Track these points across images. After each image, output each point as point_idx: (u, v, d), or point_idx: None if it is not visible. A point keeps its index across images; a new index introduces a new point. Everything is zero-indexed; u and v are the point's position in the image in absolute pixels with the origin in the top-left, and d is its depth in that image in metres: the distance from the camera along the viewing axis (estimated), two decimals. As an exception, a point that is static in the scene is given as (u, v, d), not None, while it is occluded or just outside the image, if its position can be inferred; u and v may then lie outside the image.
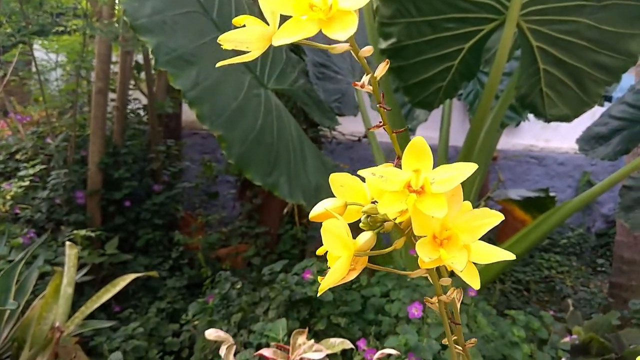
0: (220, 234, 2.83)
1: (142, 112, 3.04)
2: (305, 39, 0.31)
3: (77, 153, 2.59)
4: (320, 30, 0.31)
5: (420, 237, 0.31)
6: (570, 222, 4.59)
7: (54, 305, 1.58)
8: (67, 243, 1.68)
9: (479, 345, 1.43)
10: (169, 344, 1.99)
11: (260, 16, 0.36)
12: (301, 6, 0.31)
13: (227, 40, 0.35)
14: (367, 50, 0.33)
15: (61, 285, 1.59)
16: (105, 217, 2.59)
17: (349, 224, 0.32)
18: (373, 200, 0.33)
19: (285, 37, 0.31)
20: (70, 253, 1.64)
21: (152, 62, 3.00)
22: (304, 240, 2.96)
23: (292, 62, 2.03)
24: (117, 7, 2.61)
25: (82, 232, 2.13)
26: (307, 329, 1.13)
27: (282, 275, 1.84)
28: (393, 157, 0.35)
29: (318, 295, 0.34)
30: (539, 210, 2.95)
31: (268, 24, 0.35)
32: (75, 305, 1.74)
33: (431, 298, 1.18)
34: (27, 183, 2.22)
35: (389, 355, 1.41)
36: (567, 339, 1.90)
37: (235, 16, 0.44)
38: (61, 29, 2.92)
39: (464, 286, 1.22)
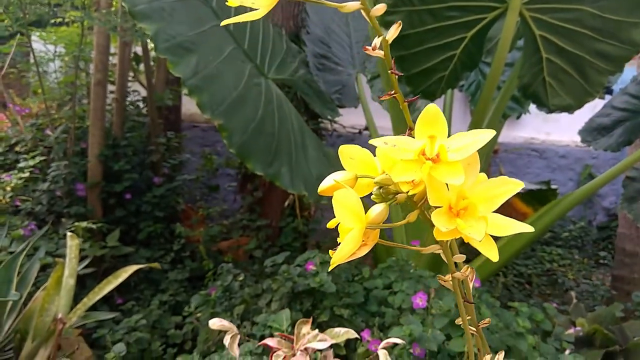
0: (221, 227, 2.82)
1: (141, 104, 3.02)
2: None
3: (77, 145, 2.58)
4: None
5: (436, 208, 0.30)
6: (572, 215, 4.58)
7: (55, 296, 1.57)
8: (69, 234, 1.67)
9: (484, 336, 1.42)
10: (171, 336, 1.98)
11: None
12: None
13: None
14: (379, 9, 0.32)
15: (63, 276, 1.59)
16: (106, 209, 2.58)
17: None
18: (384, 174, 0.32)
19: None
20: (72, 244, 1.63)
21: (151, 53, 2.98)
22: (306, 233, 2.95)
23: (293, 52, 2.01)
24: (115, -2, 2.60)
25: (84, 224, 2.12)
26: (311, 319, 1.12)
27: (285, 267, 1.83)
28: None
29: (330, 269, 0.32)
30: (541, 202, 2.94)
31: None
32: (77, 298, 1.73)
33: (434, 292, 1.16)
34: (27, 174, 2.20)
35: (394, 345, 1.40)
36: (571, 331, 1.89)
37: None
38: (59, 20, 2.90)
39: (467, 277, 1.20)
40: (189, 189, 3.12)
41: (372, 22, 0.32)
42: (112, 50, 2.76)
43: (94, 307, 1.80)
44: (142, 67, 3.07)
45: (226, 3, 0.34)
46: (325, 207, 3.44)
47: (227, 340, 1.08)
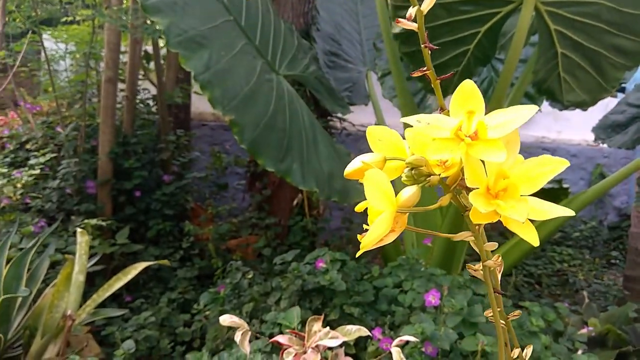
0: (230, 225, 2.81)
1: (151, 102, 3.02)
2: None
3: (87, 142, 2.58)
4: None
5: (469, 190, 0.28)
6: (583, 215, 4.53)
7: (65, 293, 1.56)
8: (78, 230, 1.66)
9: (496, 336, 1.40)
10: (180, 334, 1.98)
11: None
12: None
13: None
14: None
15: (72, 273, 1.58)
16: (116, 207, 2.58)
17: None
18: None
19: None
20: (82, 240, 1.63)
21: (161, 51, 2.98)
22: (314, 232, 2.94)
23: (304, 48, 2.00)
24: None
25: (93, 221, 2.12)
26: (322, 316, 1.11)
27: (294, 265, 1.81)
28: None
29: (357, 255, 0.31)
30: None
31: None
32: (86, 296, 1.73)
33: (446, 290, 1.14)
34: (37, 171, 2.21)
35: (405, 344, 1.38)
36: (584, 331, 1.87)
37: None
38: (70, 18, 2.90)
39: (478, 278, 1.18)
40: (198, 187, 3.11)
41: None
42: (123, 48, 2.76)
43: (102, 305, 1.79)
44: (152, 65, 3.07)
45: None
46: (334, 206, 3.42)
47: (237, 337, 1.07)
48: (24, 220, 2.08)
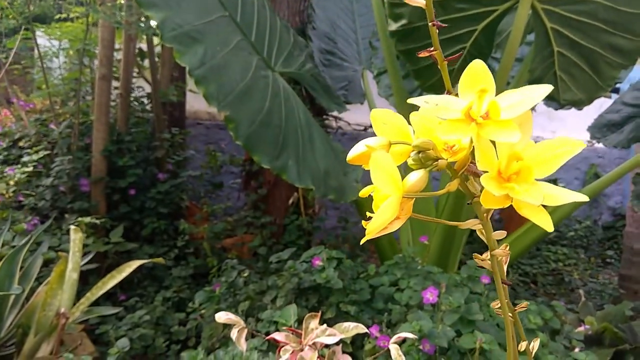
0: (225, 224, 2.80)
1: (145, 100, 3.00)
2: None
3: (81, 140, 2.56)
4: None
5: (480, 174, 0.27)
6: (577, 215, 4.55)
7: (58, 290, 1.55)
8: (72, 227, 1.65)
9: (494, 333, 1.40)
10: (175, 333, 1.96)
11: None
12: None
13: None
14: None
15: (66, 270, 1.56)
16: (110, 205, 2.56)
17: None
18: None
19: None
20: (75, 237, 1.61)
21: (156, 49, 2.96)
22: (310, 231, 2.93)
23: (300, 45, 1.99)
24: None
25: (87, 219, 2.10)
26: (320, 313, 1.10)
27: (291, 263, 1.80)
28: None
29: (361, 242, 0.30)
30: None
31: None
32: (80, 295, 1.71)
33: (444, 287, 1.13)
34: (30, 169, 2.18)
35: (403, 342, 1.37)
36: (581, 329, 1.87)
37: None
38: (64, 15, 2.88)
39: (476, 274, 1.17)
40: (193, 186, 3.10)
41: None
42: (117, 46, 2.74)
43: (96, 304, 1.78)
44: (147, 63, 3.05)
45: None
46: (330, 205, 3.42)
47: (234, 334, 1.06)
48: (17, 218, 2.06)
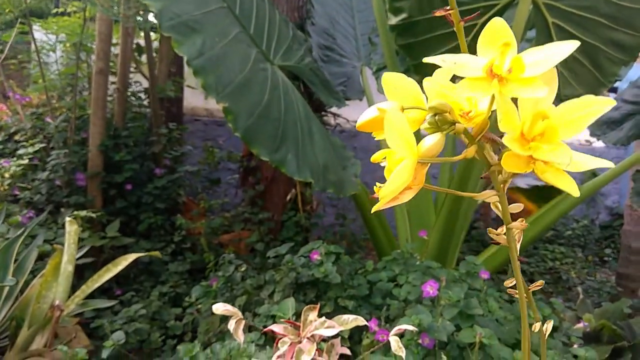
0: (223, 219, 2.78)
1: (143, 95, 2.98)
2: None
3: (78, 134, 2.54)
4: None
5: (496, 141, 0.26)
6: (575, 214, 4.55)
7: (53, 283, 1.53)
8: (68, 219, 1.63)
9: (493, 328, 1.39)
10: (171, 328, 1.94)
11: None
12: None
13: None
14: None
15: (61, 262, 1.55)
16: (106, 200, 2.54)
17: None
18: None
19: None
20: (71, 229, 1.59)
21: (154, 43, 2.94)
22: (307, 227, 2.92)
23: (299, 39, 1.97)
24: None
25: (83, 212, 2.08)
26: (318, 305, 1.08)
27: (289, 257, 1.79)
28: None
29: (372, 210, 0.28)
30: (545, 199, 2.91)
31: None
32: (75, 289, 1.69)
33: (444, 281, 1.12)
34: (26, 161, 2.16)
35: (401, 336, 1.36)
36: (580, 325, 1.86)
37: None
38: (61, 10, 2.86)
39: (475, 270, 1.15)
40: (190, 182, 3.08)
41: None
42: (114, 41, 2.72)
43: (92, 298, 1.76)
44: (144, 58, 3.03)
45: None
46: (328, 202, 3.40)
47: (231, 325, 1.04)
48: (12, 211, 2.04)
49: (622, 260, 3.00)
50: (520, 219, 0.31)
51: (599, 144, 3.41)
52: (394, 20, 1.74)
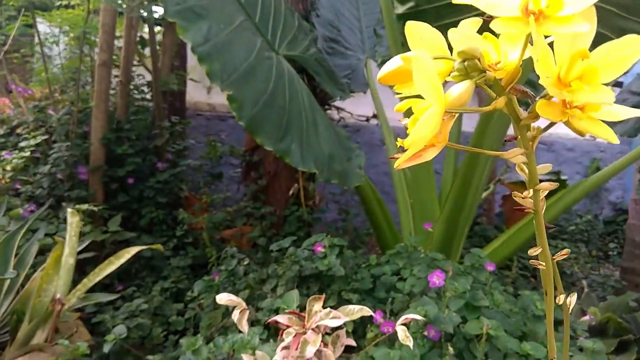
0: (225, 214, 2.76)
1: (145, 89, 2.96)
2: None
3: (80, 127, 2.52)
4: None
5: (531, 93, 0.24)
6: (578, 209, 4.53)
7: (54, 276, 1.51)
8: (69, 210, 1.61)
9: (500, 320, 1.37)
10: (173, 323, 1.93)
11: None
12: None
13: None
14: None
15: (62, 255, 1.53)
16: (108, 194, 2.52)
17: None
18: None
19: None
20: (72, 221, 1.57)
21: (157, 36, 2.92)
22: (310, 222, 2.90)
23: (305, 29, 1.95)
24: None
25: (85, 206, 2.06)
26: (323, 296, 1.07)
27: (292, 250, 1.77)
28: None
29: (396, 165, 0.26)
30: (550, 193, 2.89)
31: None
32: (76, 284, 1.67)
33: (450, 271, 1.09)
34: (27, 154, 2.14)
35: (408, 327, 1.34)
36: (586, 318, 1.84)
37: None
38: (65, 2, 2.84)
39: (480, 263, 1.13)
40: (192, 176, 3.06)
41: None
42: (118, 33, 2.71)
43: (93, 291, 1.74)
44: (147, 51, 3.01)
45: None
46: (330, 198, 3.38)
47: (235, 315, 1.03)
48: (14, 204, 2.02)
49: (626, 254, 2.97)
50: (546, 164, 0.29)
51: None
52: (400, 9, 1.72)
